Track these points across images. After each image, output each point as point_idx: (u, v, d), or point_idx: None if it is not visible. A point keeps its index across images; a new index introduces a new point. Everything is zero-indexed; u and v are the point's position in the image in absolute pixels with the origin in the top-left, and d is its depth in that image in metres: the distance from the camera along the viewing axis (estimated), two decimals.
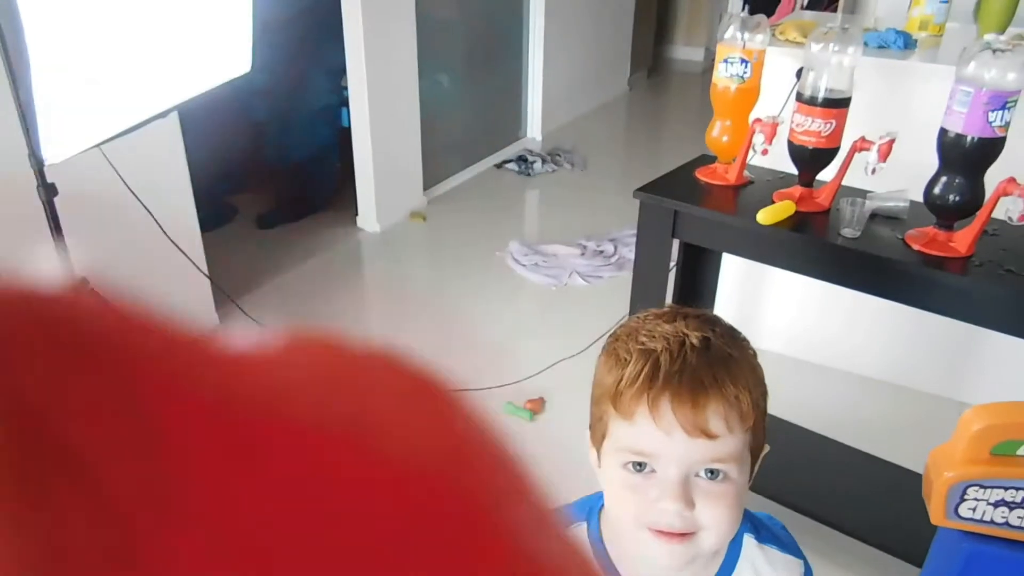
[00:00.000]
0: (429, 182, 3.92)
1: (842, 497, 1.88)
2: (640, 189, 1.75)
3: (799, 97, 1.60)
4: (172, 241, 2.41)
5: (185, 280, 2.63)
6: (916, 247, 1.49)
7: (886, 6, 2.52)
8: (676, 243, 1.82)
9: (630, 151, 5.08)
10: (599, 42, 5.31)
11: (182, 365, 0.15)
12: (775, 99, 1.88)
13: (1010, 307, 1.44)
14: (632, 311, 1.77)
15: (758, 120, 1.66)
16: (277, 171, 3.79)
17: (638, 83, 6.08)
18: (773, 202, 1.64)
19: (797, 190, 1.67)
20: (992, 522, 1.12)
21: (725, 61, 1.68)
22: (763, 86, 1.72)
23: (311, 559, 0.14)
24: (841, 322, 2.52)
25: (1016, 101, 1.36)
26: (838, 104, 1.57)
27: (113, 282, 0.15)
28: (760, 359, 0.78)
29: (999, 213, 1.45)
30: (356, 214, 3.61)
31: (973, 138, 1.38)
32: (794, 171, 1.69)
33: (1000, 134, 1.37)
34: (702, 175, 1.81)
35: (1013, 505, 1.10)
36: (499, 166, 4.38)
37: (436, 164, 3.94)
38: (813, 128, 1.58)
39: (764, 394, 0.76)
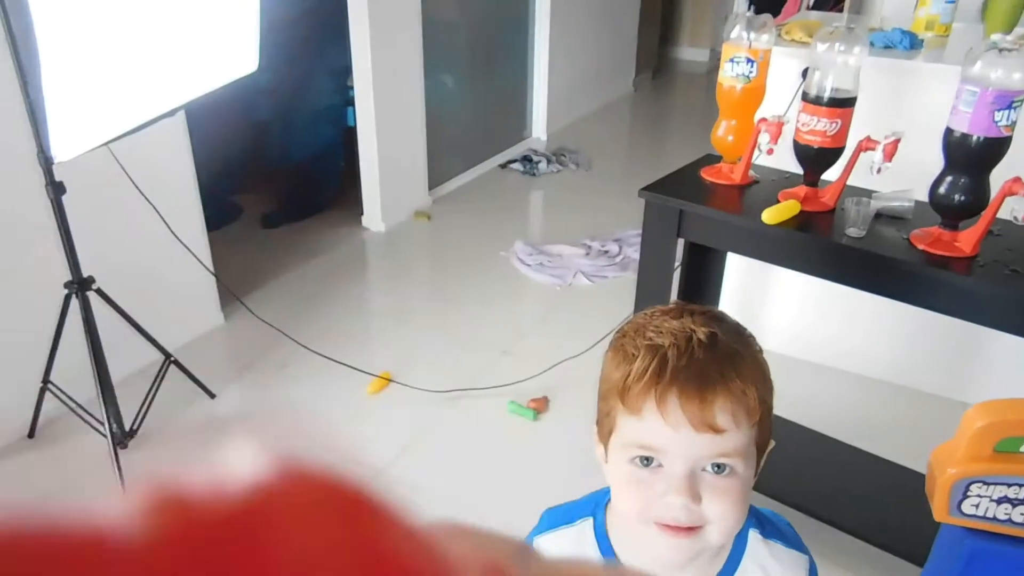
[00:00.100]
0: (434, 182, 3.93)
1: (844, 497, 1.88)
2: (645, 188, 1.76)
3: (805, 97, 1.61)
4: (179, 239, 2.42)
5: (191, 278, 2.64)
6: (921, 247, 1.49)
7: (892, 6, 2.52)
8: (680, 243, 1.83)
9: (635, 151, 5.08)
10: (604, 43, 5.32)
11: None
12: (780, 99, 1.89)
13: (1014, 307, 1.44)
14: (636, 311, 1.77)
15: (763, 120, 1.66)
16: (282, 170, 3.80)
17: (643, 84, 6.09)
18: (778, 201, 1.65)
19: (802, 190, 1.67)
20: (995, 519, 1.13)
21: (731, 60, 1.68)
22: (769, 86, 1.72)
23: None
24: (844, 322, 2.52)
25: (1022, 101, 1.36)
26: (843, 104, 1.57)
27: None
28: None
29: (1004, 213, 1.45)
30: (361, 213, 3.63)
31: (979, 137, 1.38)
32: (799, 171, 1.69)
33: (1006, 133, 1.38)
34: (707, 175, 1.81)
35: (1016, 502, 1.10)
36: (504, 166, 4.39)
37: (441, 164, 3.95)
38: (818, 128, 1.58)
39: (770, 390, 0.76)
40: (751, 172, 1.78)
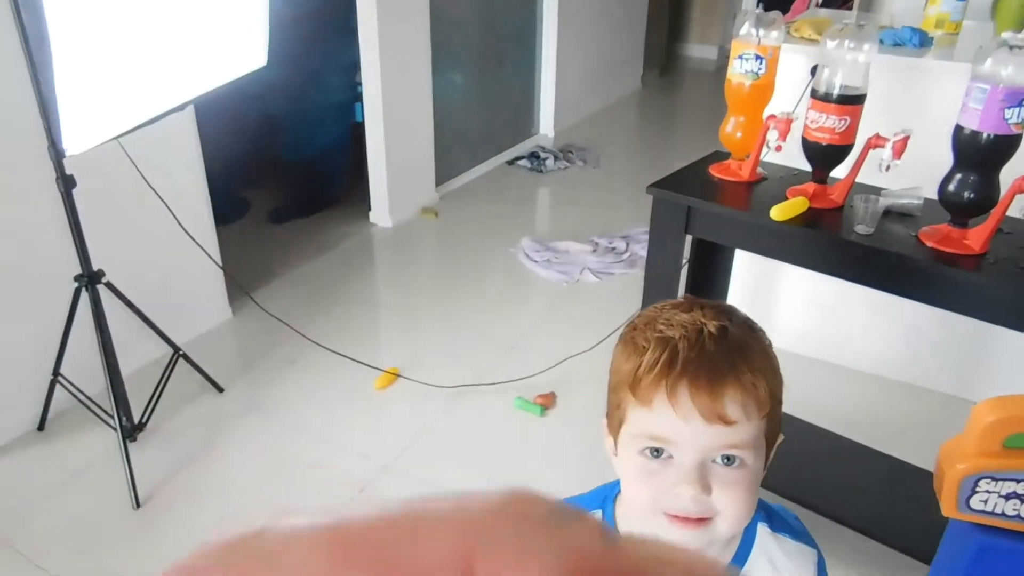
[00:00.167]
0: (441, 178, 3.93)
1: (852, 494, 1.88)
2: (653, 185, 1.76)
3: (814, 93, 1.61)
4: (188, 233, 2.43)
5: (199, 273, 2.65)
6: (930, 244, 1.49)
7: (902, 4, 2.51)
8: (688, 239, 1.83)
9: (643, 149, 5.08)
10: (612, 40, 5.31)
11: None
12: (789, 96, 1.88)
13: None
14: (644, 307, 1.77)
15: (772, 116, 1.66)
16: (290, 166, 3.81)
17: (651, 81, 6.08)
18: (786, 198, 1.64)
19: (811, 186, 1.67)
20: (1003, 514, 1.13)
21: (740, 57, 1.68)
22: (777, 83, 1.72)
23: None
24: (852, 320, 2.52)
25: None
26: (853, 101, 1.57)
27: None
28: None
29: (1014, 211, 1.45)
30: (368, 209, 3.63)
31: (989, 135, 1.38)
32: (808, 168, 1.69)
33: (1016, 131, 1.37)
34: (715, 171, 1.81)
35: None
36: (511, 163, 4.39)
37: (448, 160, 3.96)
38: (827, 124, 1.58)
39: (780, 383, 0.76)
40: (759, 169, 1.78)
